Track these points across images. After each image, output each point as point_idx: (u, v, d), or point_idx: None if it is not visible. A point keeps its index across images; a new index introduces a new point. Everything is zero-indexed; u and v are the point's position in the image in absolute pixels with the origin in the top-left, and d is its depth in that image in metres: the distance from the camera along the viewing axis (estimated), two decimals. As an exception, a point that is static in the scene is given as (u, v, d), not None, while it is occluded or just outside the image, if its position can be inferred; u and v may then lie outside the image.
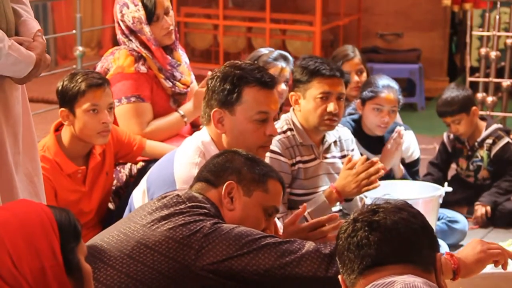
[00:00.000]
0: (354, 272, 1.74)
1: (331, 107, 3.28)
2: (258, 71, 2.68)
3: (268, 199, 2.27)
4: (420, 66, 7.12)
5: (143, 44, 3.59)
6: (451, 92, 4.38)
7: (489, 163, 4.36)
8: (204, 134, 2.71)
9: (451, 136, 4.51)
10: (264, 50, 3.93)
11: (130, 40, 3.60)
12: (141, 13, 3.55)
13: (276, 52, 3.89)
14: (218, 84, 2.66)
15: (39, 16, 8.07)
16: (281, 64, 3.82)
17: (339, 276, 1.79)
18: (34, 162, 2.54)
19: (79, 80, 3.27)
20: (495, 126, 4.42)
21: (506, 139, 4.35)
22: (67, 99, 3.27)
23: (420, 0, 7.39)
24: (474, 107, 4.37)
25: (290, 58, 3.90)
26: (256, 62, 3.78)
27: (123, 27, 3.60)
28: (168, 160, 2.72)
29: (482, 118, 4.55)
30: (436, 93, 7.31)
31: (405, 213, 1.75)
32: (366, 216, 1.76)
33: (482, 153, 4.37)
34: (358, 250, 1.73)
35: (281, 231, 2.65)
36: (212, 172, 2.28)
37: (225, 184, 2.23)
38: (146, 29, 3.56)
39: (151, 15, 3.56)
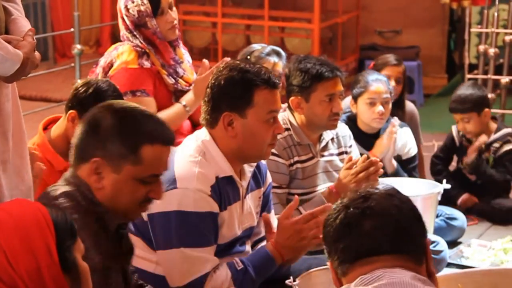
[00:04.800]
0: (346, 261, 1.69)
1: (337, 107, 3.32)
2: (264, 73, 2.68)
3: (143, 170, 2.07)
4: (418, 63, 7.12)
5: (147, 39, 3.59)
6: (466, 89, 4.33)
7: (493, 166, 4.36)
8: (204, 134, 2.71)
9: (461, 132, 4.48)
10: (256, 46, 3.96)
11: (134, 35, 3.59)
12: (147, 6, 3.57)
13: (269, 48, 3.92)
14: (226, 88, 2.64)
15: (38, 14, 8.07)
16: (274, 59, 3.86)
17: (328, 263, 1.75)
18: (23, 160, 2.52)
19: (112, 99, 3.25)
20: (505, 131, 4.36)
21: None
22: (86, 108, 3.19)
23: (419, -3, 7.40)
24: (486, 109, 4.32)
25: (283, 53, 3.93)
26: (248, 57, 3.82)
27: (128, 22, 3.60)
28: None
29: (493, 117, 4.52)
30: (434, 90, 7.32)
31: (396, 199, 1.71)
32: (358, 203, 1.70)
33: (488, 156, 4.36)
34: (351, 239, 1.68)
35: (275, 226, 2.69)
36: (78, 148, 2.11)
37: (90, 162, 2.06)
38: (152, 21, 3.57)
39: (156, 8, 3.58)
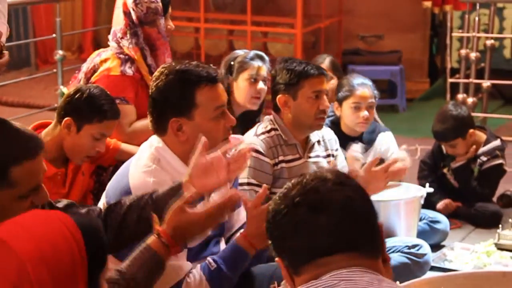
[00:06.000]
0: (297, 262, 1.53)
1: (324, 104, 3.35)
2: (201, 70, 2.61)
3: (19, 190, 1.91)
4: (401, 67, 7.16)
5: (147, 39, 3.57)
6: (447, 116, 4.30)
7: (477, 178, 4.37)
8: (157, 140, 2.64)
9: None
10: (239, 52, 3.99)
11: (135, 32, 3.56)
12: (158, 5, 3.57)
13: (252, 52, 3.95)
14: (166, 94, 2.58)
15: (19, 21, 8.03)
16: (258, 63, 3.88)
17: (277, 259, 1.59)
18: None
19: (105, 105, 3.23)
20: (494, 144, 4.35)
21: (500, 160, 4.34)
22: (82, 114, 3.22)
23: (401, 2, 7.43)
24: (471, 130, 4.30)
25: (266, 57, 3.96)
26: (232, 63, 3.84)
27: (134, 17, 3.56)
28: (123, 171, 2.65)
29: (481, 127, 4.52)
30: (417, 95, 7.36)
31: (348, 189, 1.55)
32: (307, 197, 1.53)
33: (474, 167, 4.37)
34: (302, 239, 1.52)
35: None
36: None
37: None
38: (161, 20, 3.57)
39: (165, 10, 3.59)
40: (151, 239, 2.06)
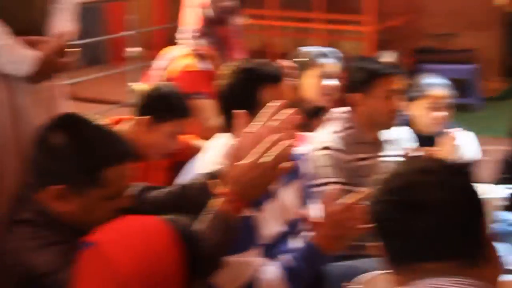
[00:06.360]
0: (395, 261, 1.48)
1: (395, 104, 3.32)
2: (265, 67, 2.63)
3: (109, 191, 2.00)
4: (475, 66, 7.03)
5: (220, 38, 3.60)
6: None
7: None
8: (230, 137, 2.62)
9: None
10: (303, 49, 3.98)
11: (209, 31, 3.59)
12: (231, 4, 3.60)
13: (316, 50, 3.93)
14: (232, 93, 2.61)
15: (91, 18, 8.17)
16: (322, 60, 3.87)
17: (377, 244, 1.52)
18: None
19: (179, 104, 3.26)
20: None
21: None
22: (157, 113, 3.25)
23: (474, 0, 7.31)
24: None
25: (333, 53, 3.94)
26: (300, 60, 3.85)
27: (208, 16, 3.60)
28: (191, 167, 2.70)
29: None
30: (492, 94, 7.21)
31: (450, 187, 1.45)
32: (405, 193, 1.45)
33: None
34: (398, 237, 1.45)
35: None
36: (38, 173, 2.04)
37: (54, 189, 2.00)
38: (236, 18, 3.59)
39: (238, 8, 3.62)
40: (216, 202, 2.06)
